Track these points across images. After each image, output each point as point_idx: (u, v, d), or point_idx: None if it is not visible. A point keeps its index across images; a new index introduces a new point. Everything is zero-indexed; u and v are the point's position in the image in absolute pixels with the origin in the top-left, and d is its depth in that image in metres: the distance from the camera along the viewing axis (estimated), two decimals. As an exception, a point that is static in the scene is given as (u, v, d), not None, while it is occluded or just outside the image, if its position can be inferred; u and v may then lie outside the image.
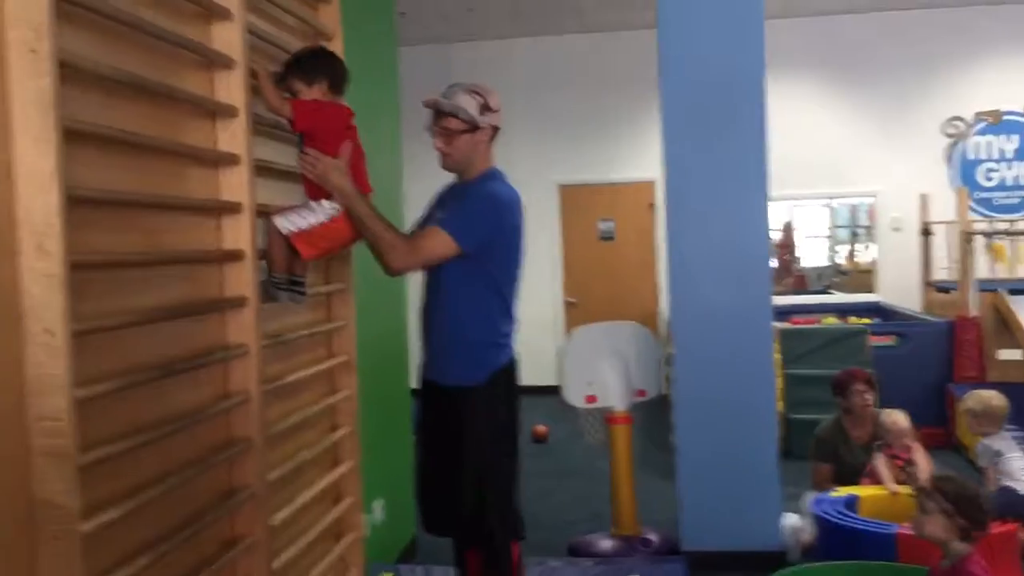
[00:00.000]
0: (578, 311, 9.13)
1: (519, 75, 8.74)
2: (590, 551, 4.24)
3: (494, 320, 2.85)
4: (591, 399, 4.41)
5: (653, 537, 4.36)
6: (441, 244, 2.74)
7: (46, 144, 1.67)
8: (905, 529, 3.67)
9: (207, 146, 2.44)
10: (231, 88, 2.46)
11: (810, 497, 4.45)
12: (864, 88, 8.99)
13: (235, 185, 2.48)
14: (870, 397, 4.58)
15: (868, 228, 10.27)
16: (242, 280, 2.49)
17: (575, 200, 9.28)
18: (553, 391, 8.23)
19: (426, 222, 2.96)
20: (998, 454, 4.09)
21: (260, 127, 2.67)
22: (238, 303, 2.48)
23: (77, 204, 1.78)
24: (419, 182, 6.38)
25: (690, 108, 4.17)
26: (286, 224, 2.63)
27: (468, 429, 2.78)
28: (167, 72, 2.24)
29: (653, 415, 6.46)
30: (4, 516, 1.65)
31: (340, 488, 3.38)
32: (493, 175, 2.90)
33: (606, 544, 4.31)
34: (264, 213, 2.69)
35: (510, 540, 2.88)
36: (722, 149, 4.13)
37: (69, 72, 1.76)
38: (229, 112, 2.46)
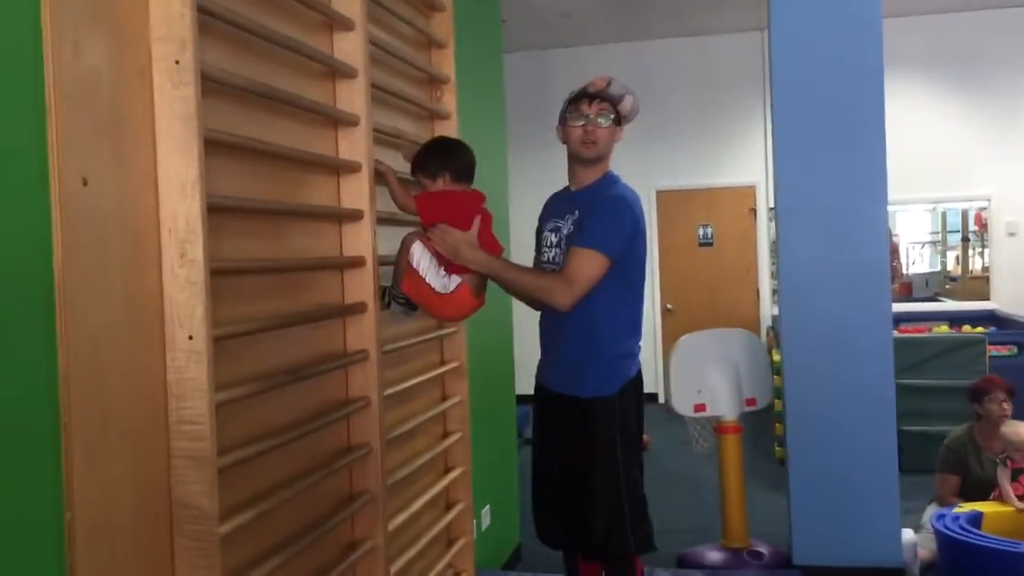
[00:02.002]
0: (676, 318, 9.01)
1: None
2: (700, 562, 4.16)
3: (628, 331, 2.79)
4: (700, 408, 4.32)
5: (763, 550, 4.25)
6: (593, 263, 2.66)
7: (189, 152, 1.71)
8: (1036, 548, 3.51)
9: (330, 154, 2.48)
10: (353, 97, 2.50)
11: (931, 511, 4.29)
12: (977, 88, 8.65)
13: (356, 192, 2.52)
14: (1008, 407, 4.37)
15: (977, 233, 9.87)
16: (363, 287, 2.52)
17: (673, 205, 9.17)
18: (652, 399, 8.16)
19: (542, 235, 2.90)
20: None
21: (381, 135, 2.70)
22: (359, 309, 2.51)
23: (213, 211, 1.82)
24: (523, 189, 6.40)
25: (803, 110, 4.06)
26: (416, 257, 2.63)
27: (601, 442, 2.71)
28: (292, 82, 2.28)
29: (758, 425, 6.33)
30: (145, 518, 1.69)
31: (451, 493, 3.39)
32: (615, 179, 2.85)
33: (716, 556, 4.22)
34: (389, 220, 2.73)
35: (643, 552, 2.81)
36: (838, 152, 4.01)
37: (206, 83, 1.80)
38: (351, 120, 2.49)
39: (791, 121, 4.08)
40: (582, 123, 2.76)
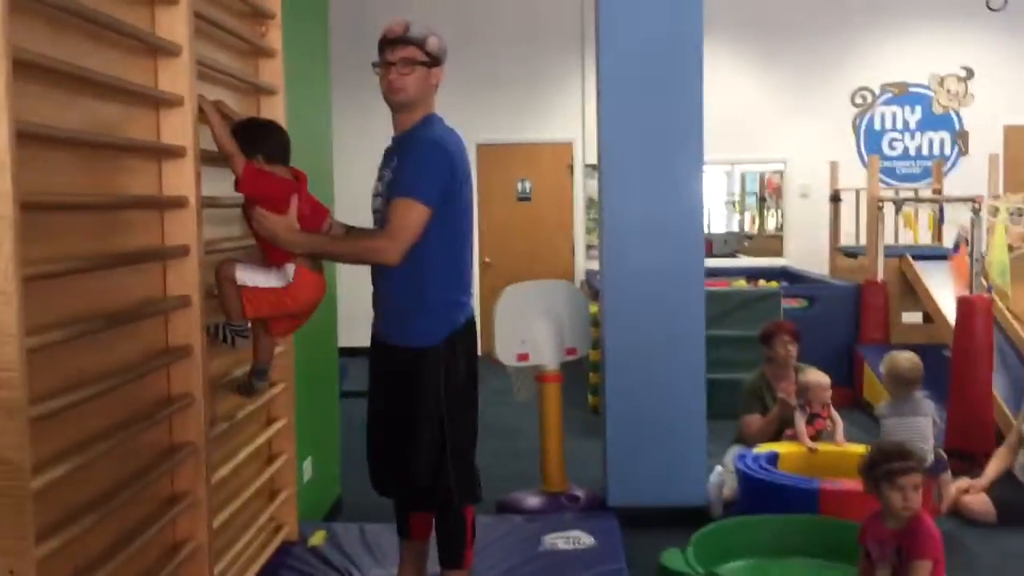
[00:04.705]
0: (494, 271, 9.11)
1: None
2: (520, 507, 4.24)
3: (454, 280, 2.75)
4: (523, 357, 4.38)
5: (580, 494, 4.39)
6: (410, 212, 2.59)
7: (-7, 73, 1.55)
8: (828, 484, 3.81)
9: (149, 85, 2.31)
10: (175, 24, 2.33)
11: (732, 453, 4.56)
12: (776, 55, 9.15)
13: (178, 128, 2.37)
14: (794, 349, 4.71)
15: (771, 195, 10.53)
16: (185, 229, 2.39)
17: (493, 160, 9.21)
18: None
19: (382, 187, 2.83)
20: (878, 421, 4.22)
21: (205, 70, 2.55)
22: (180, 253, 2.38)
23: (25, 141, 1.66)
24: (345, 138, 6.23)
25: (627, 69, 4.13)
26: (243, 276, 2.60)
27: (425, 391, 2.68)
28: (108, 5, 2.10)
29: (571, 375, 6.51)
30: (-53, 473, 1.55)
31: (274, 445, 3.31)
32: (434, 120, 2.77)
33: (535, 501, 4.31)
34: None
35: (467, 503, 2.82)
36: (658, 111, 4.12)
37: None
38: (172, 50, 2.33)
39: (615, 79, 4.16)
40: (385, 70, 2.71)
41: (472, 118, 9.04)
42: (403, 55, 2.69)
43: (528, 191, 9.35)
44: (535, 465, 4.61)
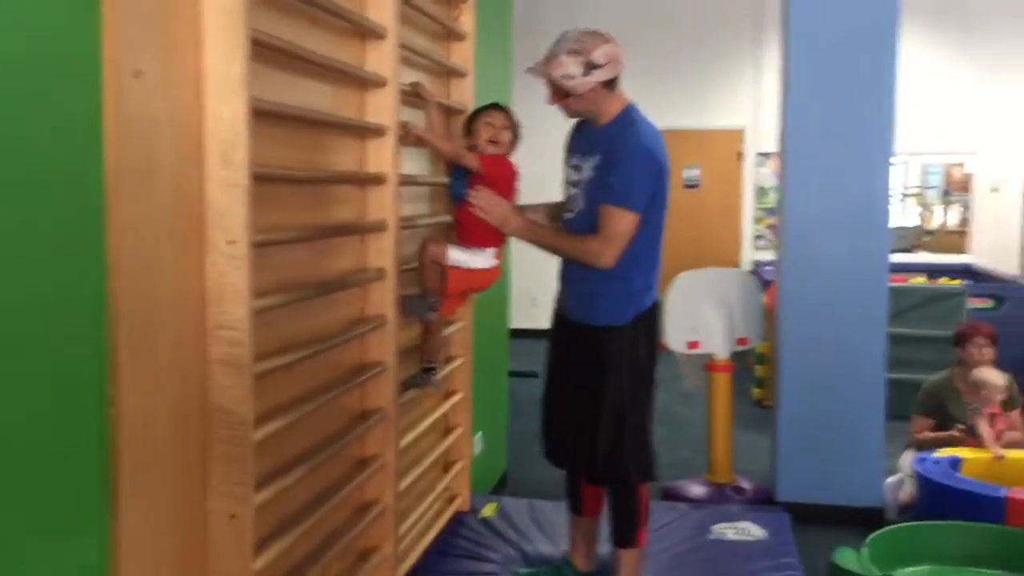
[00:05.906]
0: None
1: (605, 13, 8.44)
2: (684, 495, 4.23)
3: (643, 265, 2.79)
4: (693, 345, 4.35)
5: (746, 486, 4.32)
6: (624, 221, 2.65)
7: (235, 51, 1.67)
8: (1016, 493, 3.60)
9: (357, 68, 2.42)
10: (382, 7, 2.43)
11: (910, 455, 4.37)
12: (964, 43, 8.61)
13: (380, 109, 2.47)
14: (989, 353, 4.43)
15: (952, 188, 9.97)
16: (384, 205, 2.49)
17: (661, 146, 9.12)
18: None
19: (566, 169, 2.88)
20: None
21: (403, 51, 2.64)
22: (379, 227, 2.48)
23: (254, 117, 1.77)
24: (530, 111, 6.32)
25: (816, 55, 4.00)
26: (455, 257, 2.78)
27: (609, 368, 2.74)
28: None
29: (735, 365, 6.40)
30: (181, 421, 1.68)
31: (451, 418, 3.42)
32: (633, 119, 2.76)
33: (700, 490, 4.28)
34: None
35: (642, 481, 2.86)
36: (848, 97, 3.98)
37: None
38: (378, 33, 2.43)
39: (803, 65, 4.03)
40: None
41: (643, 104, 8.96)
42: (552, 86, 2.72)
43: (696, 179, 9.20)
44: (698, 454, 4.57)
